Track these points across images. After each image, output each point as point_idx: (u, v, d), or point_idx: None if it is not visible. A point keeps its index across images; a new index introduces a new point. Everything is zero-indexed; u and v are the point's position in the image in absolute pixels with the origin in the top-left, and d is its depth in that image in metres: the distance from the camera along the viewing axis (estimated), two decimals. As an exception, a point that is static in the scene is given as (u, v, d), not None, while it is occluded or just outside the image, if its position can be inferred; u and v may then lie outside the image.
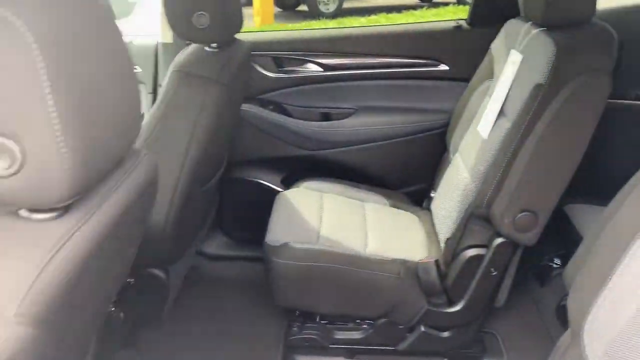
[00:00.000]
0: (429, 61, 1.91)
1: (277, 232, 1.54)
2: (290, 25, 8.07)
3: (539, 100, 1.26)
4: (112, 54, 0.65)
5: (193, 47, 1.51)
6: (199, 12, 1.36)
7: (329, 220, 1.63)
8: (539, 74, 1.28)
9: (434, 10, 8.79)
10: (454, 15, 8.41)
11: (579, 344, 0.85)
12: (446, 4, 9.20)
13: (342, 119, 1.95)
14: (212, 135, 1.42)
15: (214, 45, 1.49)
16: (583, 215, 1.68)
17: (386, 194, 1.88)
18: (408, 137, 1.93)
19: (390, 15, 8.22)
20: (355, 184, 1.89)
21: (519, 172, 1.29)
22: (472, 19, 1.88)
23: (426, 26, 1.94)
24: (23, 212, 0.60)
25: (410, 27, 1.95)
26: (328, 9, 9.25)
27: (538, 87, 1.27)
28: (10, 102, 0.52)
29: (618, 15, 1.77)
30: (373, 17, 8.09)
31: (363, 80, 1.93)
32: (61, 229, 0.59)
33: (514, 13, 1.57)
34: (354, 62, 1.93)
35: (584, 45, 1.25)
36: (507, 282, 1.47)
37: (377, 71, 1.93)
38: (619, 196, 0.85)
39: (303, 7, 9.41)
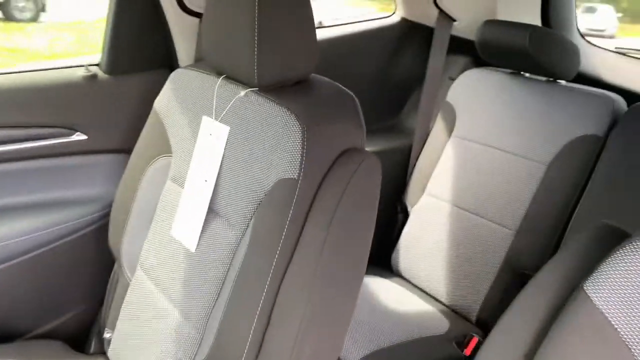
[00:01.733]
0: (58, 129, 1.24)
1: None
2: None
3: (295, 202, 0.84)
4: None
5: None
6: None
7: None
8: (282, 165, 0.85)
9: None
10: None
11: None
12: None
13: None
14: None
15: None
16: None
17: (27, 350, 1.13)
18: (44, 248, 1.22)
19: None
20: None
21: (291, 314, 0.83)
22: (111, 65, 1.29)
23: (42, 77, 1.24)
24: None
25: (16, 79, 1.21)
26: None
27: (287, 183, 0.84)
28: None
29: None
30: None
31: None
32: None
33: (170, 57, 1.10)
34: None
35: (334, 120, 0.89)
36: None
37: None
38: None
39: None
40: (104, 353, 1.16)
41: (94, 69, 1.28)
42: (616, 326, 0.54)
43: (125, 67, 1.29)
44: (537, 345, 0.59)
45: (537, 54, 1.37)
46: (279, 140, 0.86)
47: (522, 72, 1.54)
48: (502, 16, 1.58)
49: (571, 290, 0.58)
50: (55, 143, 1.23)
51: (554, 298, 0.59)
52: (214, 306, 0.92)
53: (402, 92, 1.83)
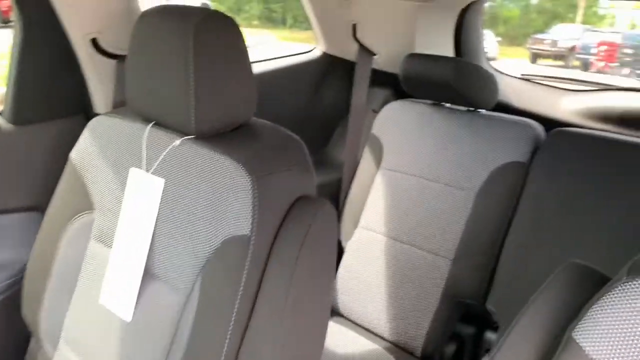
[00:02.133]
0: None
1: None
2: None
3: (248, 259, 0.77)
4: None
5: None
6: None
7: None
8: (233, 220, 0.78)
9: None
10: None
11: None
12: None
13: None
14: None
15: None
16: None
17: None
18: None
19: None
20: None
21: None
22: (15, 114, 1.16)
23: None
24: None
25: None
26: None
27: (238, 240, 0.78)
28: None
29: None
30: None
31: None
32: None
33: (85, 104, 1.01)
34: None
35: (283, 168, 0.84)
36: None
37: None
38: None
39: None
40: None
41: (-3, 119, 1.14)
42: None
43: (33, 116, 1.16)
44: None
45: (458, 85, 1.41)
46: (225, 193, 0.80)
47: (442, 103, 1.58)
48: (420, 49, 1.62)
49: (555, 337, 0.57)
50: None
51: (539, 347, 0.58)
52: None
53: (328, 125, 1.82)
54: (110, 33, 1.12)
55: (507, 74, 1.82)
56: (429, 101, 1.60)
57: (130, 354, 0.87)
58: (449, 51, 1.75)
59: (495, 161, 1.41)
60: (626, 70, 10.58)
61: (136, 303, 0.87)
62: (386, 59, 1.67)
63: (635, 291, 0.52)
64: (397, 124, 1.60)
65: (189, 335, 0.80)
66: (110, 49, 1.15)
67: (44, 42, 1.13)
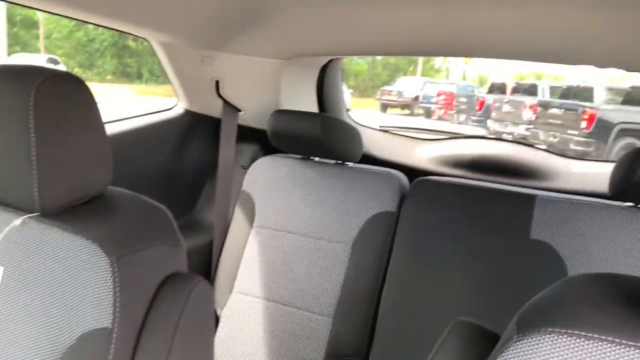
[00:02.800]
0: None
1: None
2: None
3: (113, 355, 0.66)
4: None
5: None
6: None
7: None
8: (90, 311, 0.66)
9: None
10: None
11: None
12: None
13: None
14: None
15: None
16: None
17: None
18: None
19: None
20: None
21: None
22: None
23: None
24: None
25: None
26: None
27: (101, 332, 0.66)
28: None
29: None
30: None
31: None
32: None
33: None
34: None
35: (150, 243, 0.74)
36: None
37: None
38: None
39: None
40: None
41: None
42: None
43: None
44: None
45: (325, 139, 1.42)
46: (79, 280, 0.68)
47: (311, 157, 1.58)
48: (285, 105, 1.62)
49: None
50: None
51: None
52: None
53: (194, 185, 1.73)
54: None
55: (367, 126, 1.89)
56: (298, 156, 1.59)
57: None
58: (312, 106, 1.78)
59: (367, 212, 1.43)
60: (462, 117, 11.86)
61: None
62: (252, 114, 1.64)
63: (529, 348, 0.52)
64: (267, 180, 1.56)
65: None
66: None
67: None
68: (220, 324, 1.51)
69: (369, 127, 1.89)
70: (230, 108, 1.62)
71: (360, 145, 1.52)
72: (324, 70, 1.77)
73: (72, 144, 0.73)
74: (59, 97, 0.71)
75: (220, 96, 1.58)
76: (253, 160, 1.64)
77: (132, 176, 1.46)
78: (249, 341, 1.47)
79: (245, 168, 1.64)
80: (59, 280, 0.69)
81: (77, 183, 0.74)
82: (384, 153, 1.75)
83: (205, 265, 1.59)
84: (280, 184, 1.54)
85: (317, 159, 1.59)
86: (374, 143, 1.78)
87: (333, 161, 1.56)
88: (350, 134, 1.49)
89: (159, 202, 1.59)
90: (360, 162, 1.55)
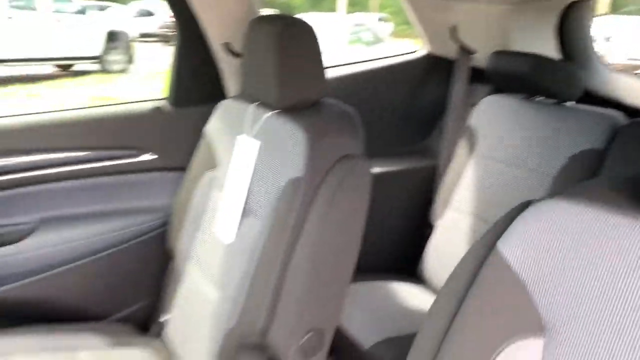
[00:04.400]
0: (130, 151, 1.54)
1: None
2: None
3: (301, 196, 1.06)
4: None
5: None
6: None
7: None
8: (293, 167, 1.09)
9: (76, 79, 8.17)
10: (96, 84, 7.98)
11: None
12: (87, 72, 8.69)
13: (18, 240, 1.39)
14: None
15: None
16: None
17: (102, 329, 1.40)
18: (117, 247, 1.50)
19: (27, 85, 7.30)
20: (55, 326, 1.35)
21: (297, 286, 1.05)
22: (175, 99, 1.60)
23: (119, 109, 1.56)
24: None
25: (98, 112, 1.54)
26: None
27: (296, 181, 1.07)
28: None
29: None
30: (9, 88, 7.03)
31: (46, 184, 1.43)
32: None
33: (222, 92, 1.38)
34: (29, 160, 1.41)
35: (334, 132, 1.12)
36: None
37: (65, 170, 1.45)
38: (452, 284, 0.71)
39: None
40: (161, 335, 1.42)
41: (163, 103, 1.59)
42: (524, 280, 0.65)
43: (185, 101, 1.59)
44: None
45: (540, 79, 1.53)
46: (290, 149, 1.10)
47: (533, 97, 1.69)
48: (518, 47, 1.75)
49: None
50: (131, 162, 1.54)
51: (474, 266, 0.73)
52: (242, 284, 1.15)
53: (429, 118, 2.02)
54: (238, 38, 1.50)
55: (611, 69, 1.85)
56: (521, 95, 1.72)
57: (229, 272, 1.20)
58: (550, 50, 1.84)
59: (573, 148, 1.50)
60: None
61: (236, 231, 1.21)
62: (484, 56, 1.83)
63: (551, 208, 0.68)
64: (490, 117, 1.75)
65: (260, 251, 1.11)
66: (238, 50, 1.53)
67: (194, 46, 1.55)
68: (434, 233, 1.81)
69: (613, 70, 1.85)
70: (465, 51, 1.84)
71: (578, 86, 1.57)
72: (567, 12, 1.80)
73: (301, 67, 1.13)
74: (294, 38, 1.12)
75: (456, 40, 1.82)
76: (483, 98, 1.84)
77: (375, 108, 1.85)
78: (455, 250, 1.73)
79: (474, 105, 1.85)
80: (281, 149, 1.12)
81: (302, 92, 1.15)
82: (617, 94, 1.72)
83: (428, 184, 1.90)
84: (501, 121, 1.71)
85: (538, 98, 1.69)
86: (612, 83, 1.76)
87: (552, 101, 1.64)
88: (566, 74, 1.55)
89: (398, 128, 1.98)
90: (581, 101, 1.59)
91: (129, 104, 1.57)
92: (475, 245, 0.74)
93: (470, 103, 1.92)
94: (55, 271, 1.42)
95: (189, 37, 1.54)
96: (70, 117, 1.47)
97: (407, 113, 1.98)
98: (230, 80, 1.59)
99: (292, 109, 1.17)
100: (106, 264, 1.49)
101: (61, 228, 1.43)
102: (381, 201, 1.84)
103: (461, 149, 1.82)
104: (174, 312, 1.37)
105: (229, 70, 1.57)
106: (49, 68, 8.67)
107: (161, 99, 1.62)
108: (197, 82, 1.60)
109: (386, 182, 1.85)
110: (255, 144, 1.22)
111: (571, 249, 0.65)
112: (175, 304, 1.37)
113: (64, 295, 1.44)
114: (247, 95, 1.30)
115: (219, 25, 1.49)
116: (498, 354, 0.66)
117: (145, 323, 1.54)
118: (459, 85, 1.87)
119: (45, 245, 1.41)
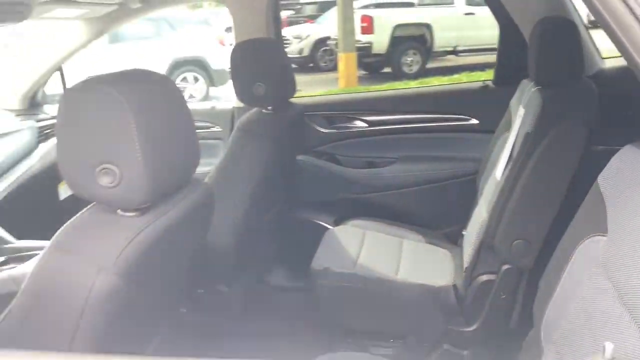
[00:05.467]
0: (461, 116, 2.20)
1: (321, 259, 1.84)
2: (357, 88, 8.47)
3: (528, 145, 1.50)
4: (176, 116, 1.03)
5: (254, 109, 1.92)
6: (257, 83, 1.77)
7: (367, 251, 1.91)
8: (528, 124, 1.52)
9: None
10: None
11: (538, 337, 1.05)
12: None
13: (385, 166, 2.26)
14: (266, 179, 1.79)
15: (270, 108, 1.89)
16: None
17: (424, 232, 2.12)
18: (443, 182, 2.20)
19: (473, 73, 8.34)
20: (396, 223, 2.16)
21: (513, 205, 1.52)
22: (497, 79, 2.16)
23: (457, 86, 2.25)
24: (119, 211, 0.97)
25: (443, 88, 2.26)
26: (411, 70, 9.67)
27: (528, 134, 1.51)
28: (115, 143, 0.91)
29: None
30: (455, 76, 8.24)
31: (403, 134, 2.26)
32: (142, 221, 0.96)
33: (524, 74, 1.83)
34: (394, 118, 2.27)
35: (566, 100, 1.49)
36: (518, 305, 1.65)
37: (415, 125, 2.25)
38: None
39: (387, 69, 9.89)
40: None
41: (488, 82, 2.18)
42: (606, 200, 0.90)
43: (504, 82, 2.12)
44: None
45: None
46: (532, 112, 1.54)
47: None
48: None
49: None
50: (460, 124, 2.20)
51: None
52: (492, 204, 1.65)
53: None
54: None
55: None
56: None
57: (493, 198, 1.71)
58: None
59: None
60: None
61: (502, 172, 1.71)
62: None
63: None
64: None
65: (502, 184, 1.59)
66: None
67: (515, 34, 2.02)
68: None
69: None
70: None
71: None
72: None
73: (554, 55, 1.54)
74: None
75: None
76: None
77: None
78: None
79: None
80: (531, 115, 1.56)
81: (562, 70, 1.55)
82: None
83: None
84: None
85: None
86: None
87: None
88: None
89: None
90: None
91: (464, 83, 2.23)
92: None
93: None
94: (403, 190, 2.23)
95: (509, 35, 2.06)
96: (423, 91, 2.25)
97: None
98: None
99: (549, 85, 1.57)
100: (435, 193, 2.21)
101: (409, 162, 2.23)
102: None
103: None
104: (467, 229, 1.96)
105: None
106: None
107: (488, 80, 2.20)
108: (514, 67, 2.09)
109: None
110: (523, 111, 1.67)
111: None
112: (470, 223, 1.96)
113: (407, 206, 2.24)
114: (531, 76, 1.74)
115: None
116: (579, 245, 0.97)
117: (457, 239, 2.19)
118: None
119: (400, 172, 2.24)
